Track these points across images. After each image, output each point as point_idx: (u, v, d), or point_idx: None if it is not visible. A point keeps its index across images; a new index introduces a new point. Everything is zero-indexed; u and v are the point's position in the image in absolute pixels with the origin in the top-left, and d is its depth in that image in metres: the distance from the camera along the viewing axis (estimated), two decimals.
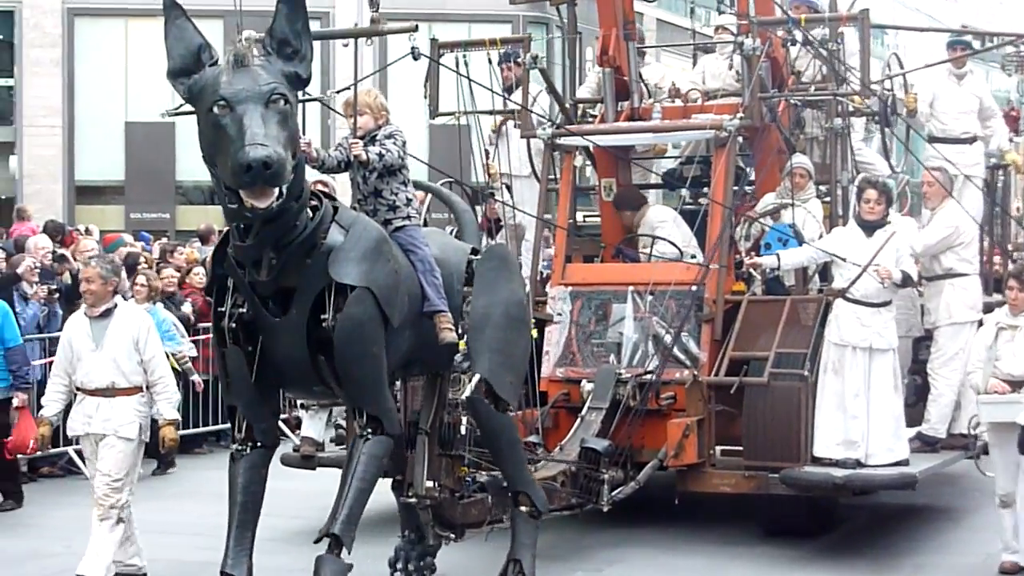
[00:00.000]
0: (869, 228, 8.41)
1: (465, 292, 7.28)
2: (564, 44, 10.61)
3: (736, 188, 9.32)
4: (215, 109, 5.60)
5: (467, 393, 7.29)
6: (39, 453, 10.20)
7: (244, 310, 6.26)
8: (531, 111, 9.61)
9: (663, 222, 9.55)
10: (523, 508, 7.40)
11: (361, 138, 6.89)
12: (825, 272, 9.09)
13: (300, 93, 6.25)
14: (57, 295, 11.44)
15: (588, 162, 10.37)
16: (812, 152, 9.92)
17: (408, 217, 7.00)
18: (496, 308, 7.35)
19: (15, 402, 9.71)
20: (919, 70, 10.50)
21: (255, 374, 6.32)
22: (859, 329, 8.28)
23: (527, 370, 7.86)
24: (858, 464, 8.20)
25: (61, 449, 10.80)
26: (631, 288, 9.08)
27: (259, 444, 6.47)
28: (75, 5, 25.58)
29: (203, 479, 10.93)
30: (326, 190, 9.66)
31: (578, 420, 8.61)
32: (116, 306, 7.87)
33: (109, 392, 7.72)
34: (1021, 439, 7.32)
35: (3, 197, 25.47)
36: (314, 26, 6.74)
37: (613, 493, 8.27)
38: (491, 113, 9.80)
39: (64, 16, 25.27)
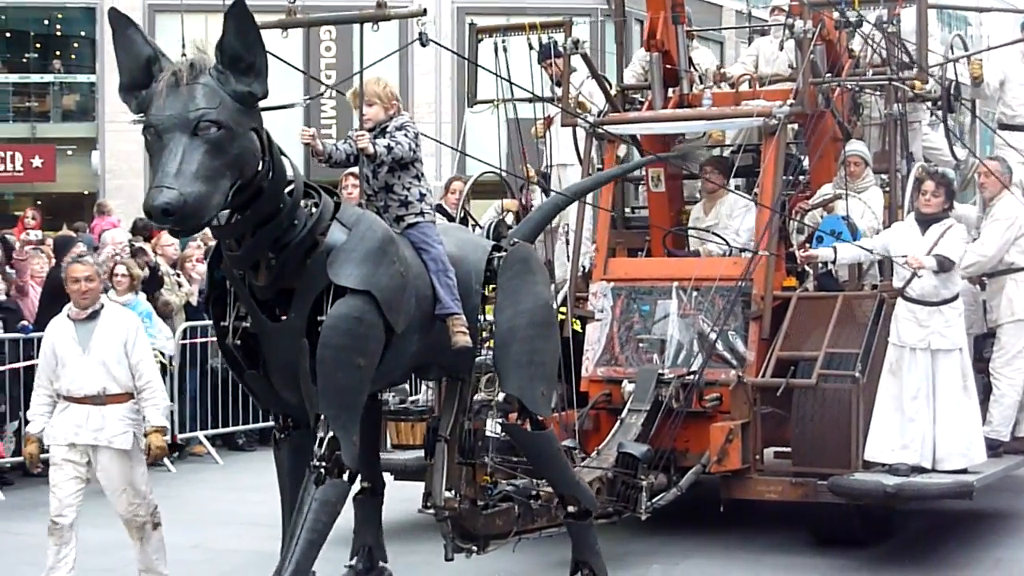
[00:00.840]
0: (925, 223, 8.17)
1: (485, 292, 7.10)
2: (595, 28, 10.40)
3: (789, 178, 9.11)
4: (146, 135, 5.48)
5: (498, 399, 7.20)
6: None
7: (247, 324, 6.17)
8: (564, 109, 9.47)
9: (747, 207, 9.33)
10: (571, 508, 7.26)
11: (371, 130, 6.65)
12: (883, 266, 8.80)
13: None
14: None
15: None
16: (872, 139, 9.71)
17: (421, 213, 6.78)
18: (521, 319, 7.13)
19: None
20: (981, 52, 10.23)
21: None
22: (917, 329, 8.04)
23: (557, 374, 7.65)
24: (914, 470, 7.94)
25: None
26: (675, 284, 8.88)
27: (299, 427, 6.43)
28: (155, 1, 25.98)
29: None
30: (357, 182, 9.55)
31: (617, 423, 8.40)
32: (103, 307, 7.73)
33: (99, 400, 7.51)
34: None
35: (86, 192, 26.23)
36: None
37: (652, 501, 8.12)
38: (530, 100, 9.66)
39: (145, 12, 25.61)
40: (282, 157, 5.98)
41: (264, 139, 5.75)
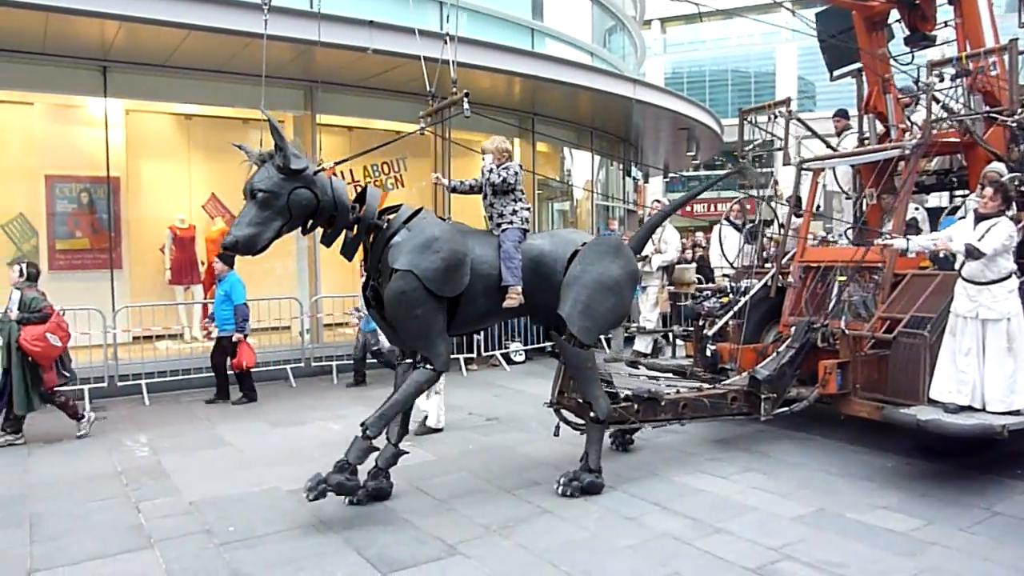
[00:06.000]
0: (979, 219, 8.59)
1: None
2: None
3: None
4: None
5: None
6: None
7: (373, 284, 7.46)
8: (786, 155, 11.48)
9: (917, 209, 10.64)
10: (591, 414, 8.14)
11: (491, 171, 8.04)
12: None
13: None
14: None
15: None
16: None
17: (511, 223, 7.90)
18: (588, 274, 7.87)
19: (234, 338, 12.43)
20: None
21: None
22: (967, 302, 8.57)
23: (611, 325, 8.22)
24: (963, 409, 8.40)
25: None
26: (839, 264, 10.11)
27: (410, 361, 7.68)
28: None
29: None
30: (658, 205, 12.04)
31: (774, 353, 9.63)
32: None
33: None
34: None
35: None
36: None
37: (789, 408, 9.32)
38: (777, 150, 11.60)
39: None
40: (367, 193, 7.25)
41: (320, 190, 6.88)
